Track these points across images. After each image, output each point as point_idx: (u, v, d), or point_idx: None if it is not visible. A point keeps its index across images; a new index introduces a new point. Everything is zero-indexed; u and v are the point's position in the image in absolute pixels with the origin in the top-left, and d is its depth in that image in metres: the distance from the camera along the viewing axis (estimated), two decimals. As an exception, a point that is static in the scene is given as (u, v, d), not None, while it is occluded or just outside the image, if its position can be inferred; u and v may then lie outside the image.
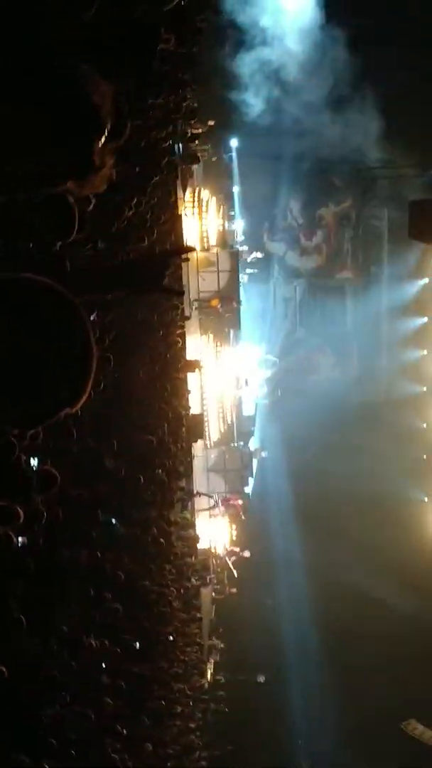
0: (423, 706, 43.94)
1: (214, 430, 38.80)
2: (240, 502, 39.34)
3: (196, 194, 35.99)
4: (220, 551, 38.31)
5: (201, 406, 36.20)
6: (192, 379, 32.56)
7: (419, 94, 42.18)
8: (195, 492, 33.45)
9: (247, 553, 39.63)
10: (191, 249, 24.49)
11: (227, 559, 38.65)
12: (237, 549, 39.36)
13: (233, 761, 33.48)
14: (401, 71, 42.05)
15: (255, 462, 42.53)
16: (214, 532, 37.69)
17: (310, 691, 44.26)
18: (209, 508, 37.15)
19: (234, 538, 39.48)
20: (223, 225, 41.23)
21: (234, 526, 39.31)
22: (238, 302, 38.96)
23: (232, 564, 38.83)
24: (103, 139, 3.00)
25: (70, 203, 4.65)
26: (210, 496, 37.06)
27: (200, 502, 35.75)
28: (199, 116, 30.82)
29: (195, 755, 24.61)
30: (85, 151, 2.98)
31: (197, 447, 35.07)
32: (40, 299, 2.56)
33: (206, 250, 37.81)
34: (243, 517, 39.54)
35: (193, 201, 35.46)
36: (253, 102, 44.05)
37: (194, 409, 33.74)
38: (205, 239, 37.84)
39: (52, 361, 2.52)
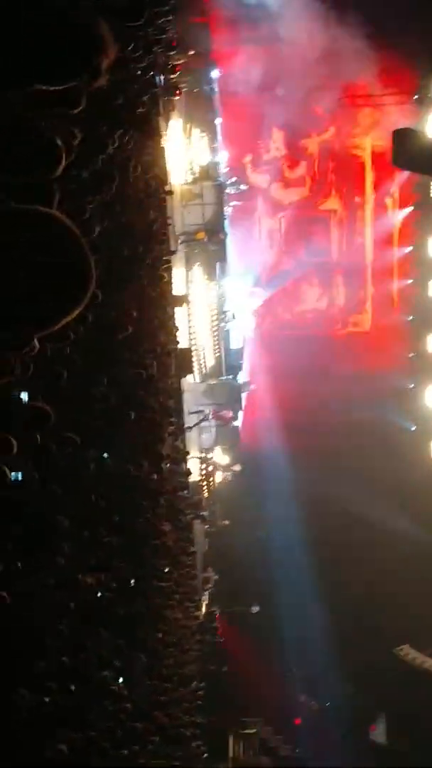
0: (416, 630, 44.51)
1: (202, 364, 38.82)
2: (230, 414, 39.55)
3: (179, 126, 35.67)
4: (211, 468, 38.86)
5: (189, 341, 36.20)
6: (179, 313, 32.53)
7: (404, 21, 41.64)
8: (185, 426, 33.57)
9: (237, 467, 39.92)
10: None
11: (218, 471, 39.16)
12: (228, 463, 39.72)
13: (229, 691, 34.00)
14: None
15: (244, 395, 42.61)
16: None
17: (303, 619, 44.69)
18: (198, 422, 37.33)
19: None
20: (207, 157, 40.87)
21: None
22: (224, 235, 38.77)
23: (225, 477, 39.41)
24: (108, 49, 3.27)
25: (56, 140, 4.68)
26: (200, 411, 37.25)
27: (191, 419, 35.98)
28: (179, 47, 30.54)
29: (192, 685, 24.97)
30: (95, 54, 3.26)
31: (186, 381, 35.14)
32: (44, 223, 2.81)
33: (191, 183, 37.56)
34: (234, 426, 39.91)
35: (176, 133, 35.16)
36: (235, 28, 43.63)
37: (182, 343, 33.76)
38: (189, 172, 37.56)
39: (56, 274, 2.75)
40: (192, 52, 35.87)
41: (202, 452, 38.63)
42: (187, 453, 33.36)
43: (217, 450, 39.72)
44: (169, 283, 28.73)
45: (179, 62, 31.76)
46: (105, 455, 14.38)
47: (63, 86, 3.40)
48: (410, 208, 51.09)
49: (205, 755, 28.69)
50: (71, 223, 2.81)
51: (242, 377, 43.43)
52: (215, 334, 39.93)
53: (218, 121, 45.31)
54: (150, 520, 17.04)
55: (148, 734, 14.09)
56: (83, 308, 2.87)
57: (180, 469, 29.33)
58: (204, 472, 38.66)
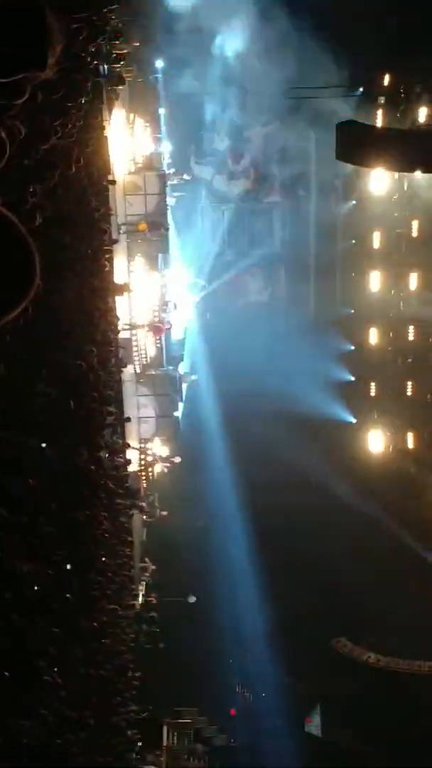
0: (354, 621, 44.94)
1: (143, 354, 38.74)
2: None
3: (123, 116, 35.53)
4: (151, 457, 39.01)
5: (130, 331, 36.15)
6: (120, 303, 32.46)
7: (351, 15, 41.72)
8: (125, 417, 33.51)
9: (177, 458, 39.96)
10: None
11: (158, 462, 39.22)
12: (167, 455, 39.79)
13: (164, 681, 34.06)
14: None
15: (185, 386, 42.60)
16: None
17: (242, 609, 44.86)
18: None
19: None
20: (150, 147, 40.77)
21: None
22: (166, 226, 38.71)
23: (164, 468, 39.51)
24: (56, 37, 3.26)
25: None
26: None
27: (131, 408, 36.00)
28: (124, 37, 30.43)
29: (128, 675, 25.00)
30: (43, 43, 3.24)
31: (126, 372, 35.09)
32: None
33: (133, 173, 37.45)
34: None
35: (120, 123, 35.02)
36: (179, 21, 43.50)
37: (123, 333, 33.69)
38: (131, 162, 37.45)
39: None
40: (137, 43, 35.78)
41: (141, 443, 38.60)
42: (127, 443, 33.33)
43: (157, 441, 39.70)
44: (111, 272, 28.66)
45: (124, 52, 31.63)
46: (44, 444, 14.38)
47: (9, 79, 3.40)
48: (353, 202, 51.40)
49: (140, 744, 28.80)
50: (14, 216, 2.80)
51: (183, 368, 43.43)
52: (157, 324, 39.87)
53: (162, 111, 45.24)
54: (88, 509, 17.04)
55: (82, 723, 14.11)
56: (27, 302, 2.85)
57: (118, 460, 29.29)
58: (143, 462, 38.65)
